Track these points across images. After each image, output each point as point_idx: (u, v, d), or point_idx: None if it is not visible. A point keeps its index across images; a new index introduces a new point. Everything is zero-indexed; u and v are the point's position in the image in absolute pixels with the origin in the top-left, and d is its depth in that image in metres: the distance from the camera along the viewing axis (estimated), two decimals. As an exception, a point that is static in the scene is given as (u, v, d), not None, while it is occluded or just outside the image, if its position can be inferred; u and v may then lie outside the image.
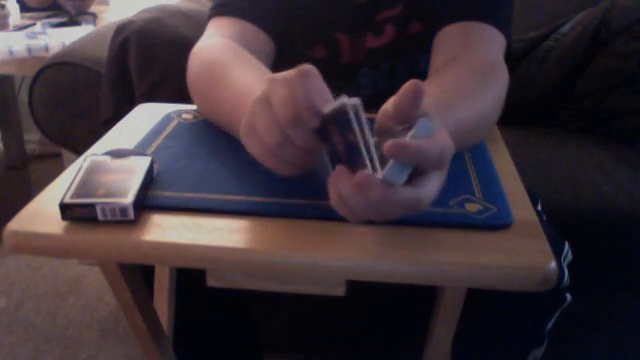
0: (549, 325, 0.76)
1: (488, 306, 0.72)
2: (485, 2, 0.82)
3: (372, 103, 0.92)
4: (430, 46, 0.82)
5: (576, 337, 1.11)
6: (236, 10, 0.83)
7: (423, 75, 0.78)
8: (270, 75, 0.54)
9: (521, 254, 0.50)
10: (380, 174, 0.46)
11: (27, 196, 0.56)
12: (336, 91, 0.93)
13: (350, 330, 1.17)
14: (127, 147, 0.66)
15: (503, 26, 0.80)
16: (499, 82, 0.72)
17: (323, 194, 0.56)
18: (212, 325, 0.93)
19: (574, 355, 1.14)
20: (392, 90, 0.96)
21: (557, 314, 0.76)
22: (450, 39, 0.80)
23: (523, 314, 0.74)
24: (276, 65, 0.86)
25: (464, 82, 0.70)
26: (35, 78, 1.25)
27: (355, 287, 0.52)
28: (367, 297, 0.99)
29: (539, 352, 0.78)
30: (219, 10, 0.84)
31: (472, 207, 0.55)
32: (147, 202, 0.55)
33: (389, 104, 0.52)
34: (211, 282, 0.53)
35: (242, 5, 0.83)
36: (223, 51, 0.76)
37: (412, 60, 0.90)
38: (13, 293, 1.57)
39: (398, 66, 0.90)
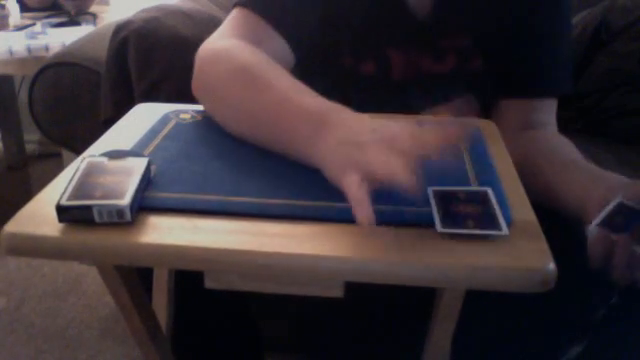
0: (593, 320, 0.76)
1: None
2: (556, 71, 0.88)
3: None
4: (485, 84, 0.87)
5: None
6: (265, 10, 0.79)
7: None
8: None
9: (520, 255, 0.50)
10: None
11: (27, 196, 0.56)
12: (382, 108, 0.91)
13: (350, 330, 1.17)
14: (125, 147, 0.66)
15: (569, 86, 0.89)
16: None
17: (321, 195, 0.56)
18: (212, 326, 0.93)
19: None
20: None
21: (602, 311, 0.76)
22: (519, 111, 0.88)
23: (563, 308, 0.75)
24: (318, 79, 0.84)
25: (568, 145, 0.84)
26: (35, 78, 1.25)
27: (355, 287, 0.52)
28: (367, 297, 0.99)
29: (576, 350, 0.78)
30: (246, 1, 0.80)
31: (471, 208, 0.55)
32: (144, 203, 0.55)
33: None
34: (209, 284, 0.53)
35: (272, 9, 0.79)
36: (249, 54, 0.72)
37: (466, 94, 0.90)
38: (13, 293, 1.57)
39: (452, 97, 0.89)
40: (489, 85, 0.89)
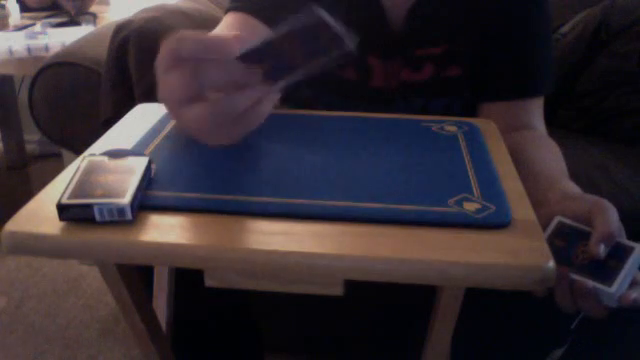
0: (573, 324, 0.76)
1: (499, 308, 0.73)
2: (534, 72, 0.88)
3: None
4: (464, 91, 0.87)
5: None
6: (256, 8, 0.81)
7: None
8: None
9: (519, 253, 0.50)
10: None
11: (27, 196, 0.56)
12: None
13: (350, 330, 1.17)
14: (125, 147, 0.66)
15: (548, 87, 0.88)
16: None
17: (321, 194, 0.57)
18: (212, 326, 0.93)
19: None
20: None
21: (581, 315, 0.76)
22: (501, 115, 0.87)
23: (545, 313, 0.75)
24: (304, 84, 0.85)
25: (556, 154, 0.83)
26: (35, 78, 1.25)
27: (355, 287, 0.52)
28: (367, 297, 0.99)
29: (559, 352, 0.78)
30: (237, 5, 0.82)
31: (470, 206, 0.55)
32: (145, 202, 0.55)
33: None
34: (209, 282, 0.53)
35: (262, 7, 0.82)
36: None
37: (445, 102, 0.90)
38: (13, 293, 1.58)
39: (431, 105, 0.89)
40: (469, 91, 0.89)
